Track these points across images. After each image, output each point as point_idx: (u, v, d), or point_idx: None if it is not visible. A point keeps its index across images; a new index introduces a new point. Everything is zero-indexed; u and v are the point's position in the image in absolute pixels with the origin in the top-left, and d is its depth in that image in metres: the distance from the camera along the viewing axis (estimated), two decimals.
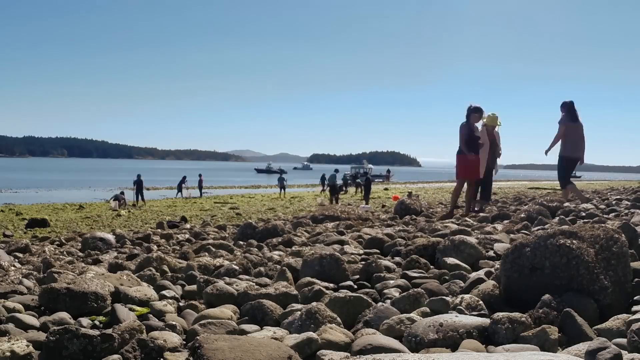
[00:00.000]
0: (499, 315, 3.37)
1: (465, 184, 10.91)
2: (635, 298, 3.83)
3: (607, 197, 18.05)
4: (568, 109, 11.11)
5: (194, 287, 5.36)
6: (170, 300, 4.81)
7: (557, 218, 9.80)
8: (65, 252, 9.47)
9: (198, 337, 3.03)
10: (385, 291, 4.75)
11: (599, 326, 3.36)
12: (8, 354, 3.14)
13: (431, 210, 15.59)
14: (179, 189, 35.12)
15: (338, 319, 3.87)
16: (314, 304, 4.02)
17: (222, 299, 4.72)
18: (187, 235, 11.55)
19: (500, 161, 12.42)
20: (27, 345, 3.29)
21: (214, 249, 8.24)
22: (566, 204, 10.55)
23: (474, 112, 10.56)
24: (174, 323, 4.02)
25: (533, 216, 9.96)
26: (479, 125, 10.99)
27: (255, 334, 3.73)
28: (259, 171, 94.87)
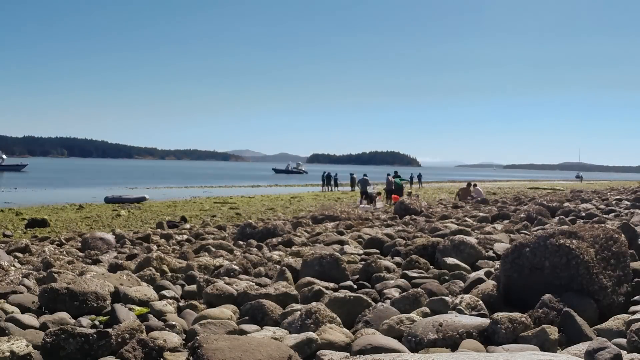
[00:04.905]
0: (499, 315, 3.37)
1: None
2: (635, 298, 3.84)
3: (607, 197, 18.09)
4: None
5: (194, 287, 5.36)
6: (170, 300, 4.81)
7: (557, 218, 9.81)
8: (65, 252, 9.44)
9: (198, 337, 3.03)
10: (385, 291, 4.75)
11: (598, 326, 3.36)
12: (8, 354, 3.14)
13: (431, 210, 15.61)
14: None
15: (338, 319, 3.87)
16: (314, 304, 4.02)
17: (222, 299, 4.72)
18: (186, 236, 11.54)
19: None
20: (27, 345, 3.29)
21: (213, 249, 8.23)
22: (566, 204, 10.57)
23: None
24: (173, 323, 4.02)
25: (533, 216, 9.98)
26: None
27: (255, 334, 3.73)
28: (277, 171, 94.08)
